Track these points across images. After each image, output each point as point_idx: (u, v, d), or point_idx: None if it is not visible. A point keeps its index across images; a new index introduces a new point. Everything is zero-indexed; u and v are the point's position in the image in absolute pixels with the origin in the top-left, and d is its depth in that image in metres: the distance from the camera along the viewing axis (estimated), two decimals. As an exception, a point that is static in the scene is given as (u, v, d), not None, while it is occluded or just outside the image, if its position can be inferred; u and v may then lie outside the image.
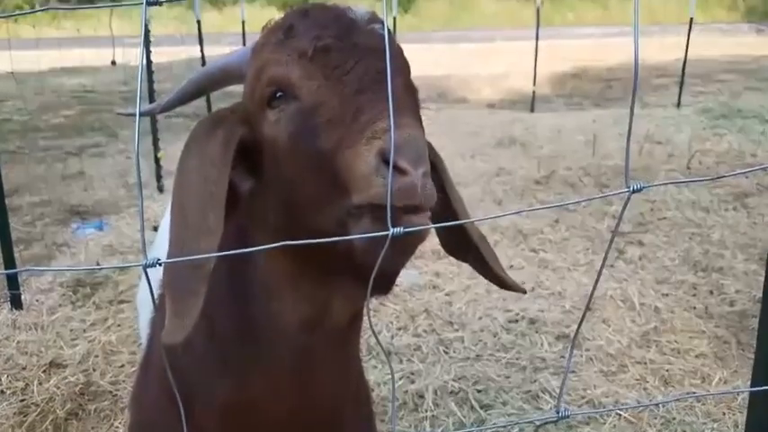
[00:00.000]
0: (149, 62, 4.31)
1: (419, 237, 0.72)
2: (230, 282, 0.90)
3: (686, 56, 8.05)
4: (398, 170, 0.68)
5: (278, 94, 0.80)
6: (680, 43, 8.34)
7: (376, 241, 0.69)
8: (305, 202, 0.78)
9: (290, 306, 0.87)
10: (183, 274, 0.75)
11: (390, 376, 2.56)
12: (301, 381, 0.92)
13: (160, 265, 0.61)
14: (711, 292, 3.19)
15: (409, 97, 0.81)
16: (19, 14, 0.72)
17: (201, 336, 0.89)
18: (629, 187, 0.66)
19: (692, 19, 7.92)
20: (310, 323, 0.88)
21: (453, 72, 11.17)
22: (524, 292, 1.07)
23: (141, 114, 0.75)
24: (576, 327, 2.85)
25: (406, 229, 0.66)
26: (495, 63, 11.67)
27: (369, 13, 0.84)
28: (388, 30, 0.84)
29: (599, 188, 4.84)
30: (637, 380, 2.50)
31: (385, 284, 0.82)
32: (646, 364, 2.61)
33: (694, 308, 3.04)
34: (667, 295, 3.19)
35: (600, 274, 0.76)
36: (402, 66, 0.84)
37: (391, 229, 0.65)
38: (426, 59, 12.31)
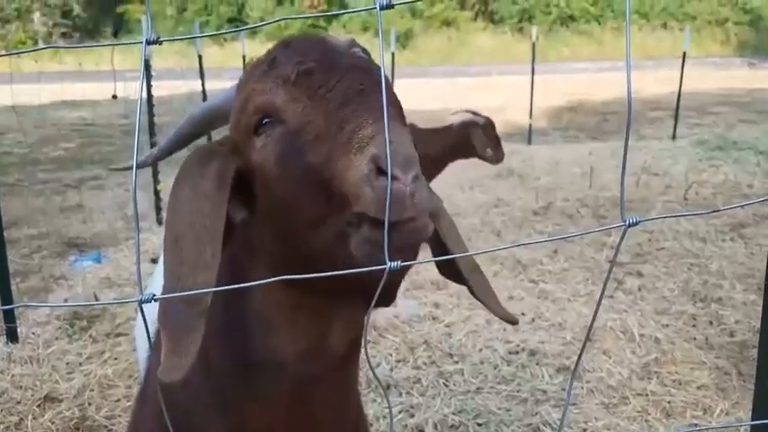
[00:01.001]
0: (150, 96, 4.37)
1: (417, 241, 0.72)
2: (226, 315, 0.89)
3: (680, 89, 8.18)
4: (384, 173, 0.67)
5: (264, 121, 0.81)
6: (674, 77, 8.49)
7: (375, 247, 0.69)
8: (300, 222, 0.77)
9: (287, 338, 0.86)
10: (179, 310, 0.74)
11: (389, 410, 2.53)
12: (300, 415, 0.90)
13: (155, 300, 0.61)
14: (711, 323, 3.18)
15: (394, 108, 0.81)
16: (23, 52, 0.74)
17: (197, 370, 0.87)
18: (625, 221, 0.66)
19: (684, 53, 8.09)
20: (309, 354, 0.87)
21: (451, 105, 11.29)
22: (516, 322, 1.06)
23: (138, 167, 0.74)
24: (576, 358, 2.84)
25: (403, 264, 0.65)
26: (491, 97, 11.83)
27: (349, 39, 0.86)
28: (368, 52, 0.86)
29: (597, 219, 4.86)
30: (638, 412, 2.47)
31: (388, 296, 0.79)
32: (647, 395, 2.58)
33: (694, 338, 3.03)
34: (667, 326, 3.17)
35: (599, 305, 0.76)
36: (384, 80, 0.87)
37: (388, 264, 0.64)
38: (425, 93, 12.51)
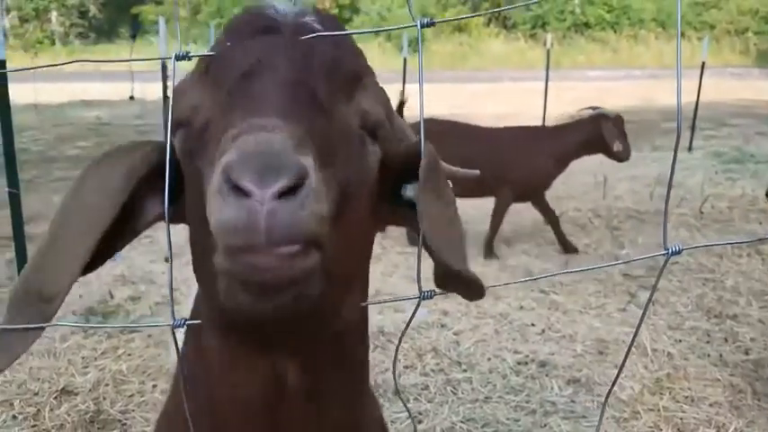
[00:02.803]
0: (166, 96, 4.40)
1: (263, 280, 0.54)
2: (195, 357, 0.78)
3: (698, 100, 8.10)
4: (239, 191, 0.51)
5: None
6: (690, 87, 8.41)
7: (231, 282, 0.56)
8: (200, 248, 0.65)
9: (241, 381, 0.74)
10: (28, 304, 0.67)
11: (398, 416, 2.52)
12: None
13: (186, 325, 0.59)
14: (726, 340, 3.13)
15: (296, 91, 0.62)
16: (47, 66, 0.74)
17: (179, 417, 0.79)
18: (667, 249, 0.61)
19: (704, 63, 8.00)
20: (269, 397, 0.74)
21: (461, 111, 11.28)
22: (482, 291, 0.78)
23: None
24: (586, 371, 2.81)
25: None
26: (503, 103, 11.81)
27: (300, 9, 0.70)
28: (321, 19, 0.70)
29: (609, 231, 4.82)
30: (650, 427, 2.43)
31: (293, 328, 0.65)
32: (659, 411, 2.54)
33: (708, 355, 2.98)
34: (680, 341, 3.13)
35: (638, 327, 0.70)
36: (308, 53, 0.65)
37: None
38: (434, 99, 12.50)
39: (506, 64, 20.00)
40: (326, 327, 0.70)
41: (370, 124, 0.70)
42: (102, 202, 0.69)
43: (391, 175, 0.74)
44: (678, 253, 0.60)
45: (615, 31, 23.20)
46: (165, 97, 4.40)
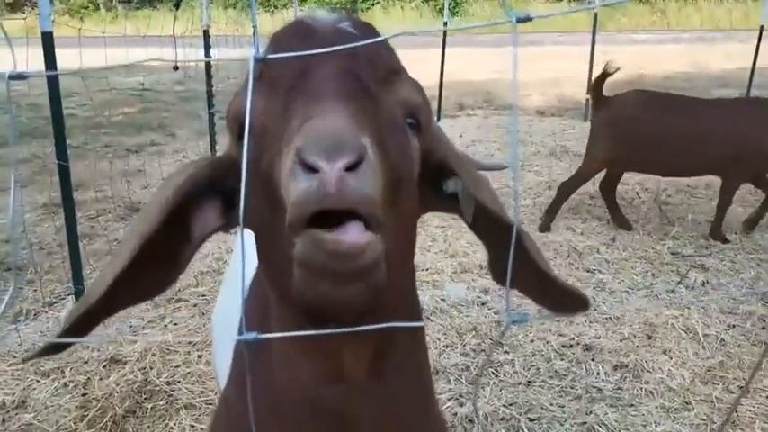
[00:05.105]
0: (209, 66, 4.37)
1: (348, 246, 0.55)
2: (257, 359, 0.82)
3: (754, 65, 7.65)
4: (310, 169, 0.55)
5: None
6: (745, 51, 7.95)
7: (306, 271, 0.58)
8: (270, 249, 0.68)
9: (306, 367, 0.77)
10: (78, 308, 0.73)
11: (438, 396, 2.49)
12: None
13: (260, 339, 0.55)
14: (783, 326, 3.00)
15: (346, 78, 0.65)
16: (108, 67, 0.69)
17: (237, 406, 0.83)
18: None
19: (762, 26, 7.52)
20: (330, 380, 0.77)
21: (500, 77, 10.98)
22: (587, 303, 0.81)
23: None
24: (634, 356, 2.73)
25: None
26: (544, 69, 11.41)
27: (336, 16, 0.74)
28: (369, 28, 0.74)
29: (658, 205, 4.64)
30: (702, 419, 2.35)
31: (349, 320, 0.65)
32: (712, 402, 2.46)
33: (765, 343, 2.86)
34: (734, 327, 3.01)
35: None
36: (353, 53, 0.68)
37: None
38: (472, 63, 12.18)
39: (548, 27, 19.30)
40: (388, 314, 0.70)
41: (410, 113, 0.73)
42: (152, 212, 0.73)
43: (430, 168, 0.78)
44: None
45: (663, -8, 22.07)
46: (209, 66, 4.38)
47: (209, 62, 4.39)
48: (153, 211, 0.73)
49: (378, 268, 0.59)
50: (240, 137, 0.72)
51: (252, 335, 0.52)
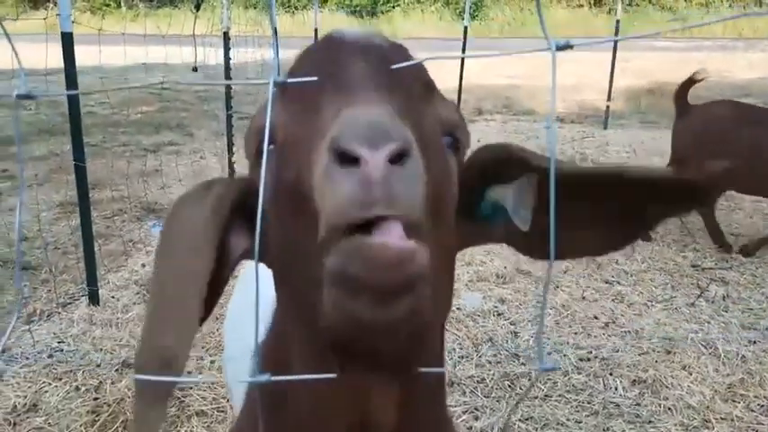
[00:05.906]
0: (228, 66, 4.37)
1: (388, 263, 0.47)
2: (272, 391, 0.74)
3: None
4: (347, 161, 0.47)
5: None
6: (763, 60, 7.80)
7: (343, 292, 0.49)
8: (293, 264, 0.60)
9: (330, 413, 0.70)
10: (149, 372, 0.61)
11: (453, 409, 2.45)
12: None
13: (273, 381, 0.50)
14: (807, 344, 2.91)
15: (383, 77, 0.59)
16: (133, 87, 0.66)
17: None
18: None
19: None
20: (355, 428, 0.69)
21: (520, 82, 10.90)
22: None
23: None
24: (653, 371, 2.66)
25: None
26: (564, 74, 11.30)
27: (368, 33, 0.68)
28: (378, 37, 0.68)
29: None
30: (723, 440, 2.29)
31: (396, 361, 0.57)
32: (732, 420, 2.39)
33: (787, 361, 2.78)
34: (755, 343, 2.93)
35: None
36: (379, 55, 0.63)
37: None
38: (492, 68, 12.10)
39: (569, 32, 19.15)
40: (423, 346, 0.63)
41: (449, 131, 0.68)
42: (199, 247, 0.65)
43: (466, 190, 0.71)
44: None
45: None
46: (228, 66, 4.37)
47: (228, 65, 4.39)
48: (200, 246, 0.65)
49: (424, 283, 0.50)
50: (260, 152, 0.65)
51: (264, 377, 0.48)
